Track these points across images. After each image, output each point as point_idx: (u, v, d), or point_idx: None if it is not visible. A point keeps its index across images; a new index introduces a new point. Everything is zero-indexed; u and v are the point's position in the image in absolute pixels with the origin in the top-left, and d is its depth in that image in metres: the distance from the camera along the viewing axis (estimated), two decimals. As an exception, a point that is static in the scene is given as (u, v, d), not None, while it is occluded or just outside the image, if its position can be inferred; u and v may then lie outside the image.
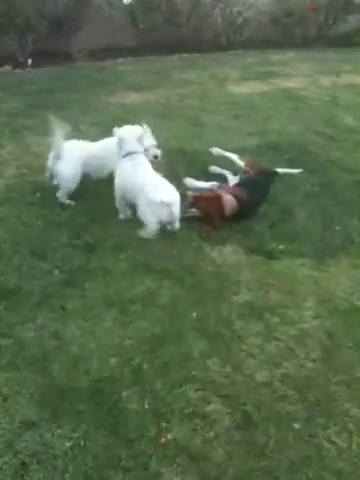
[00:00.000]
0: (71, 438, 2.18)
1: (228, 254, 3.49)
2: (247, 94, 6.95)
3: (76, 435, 2.19)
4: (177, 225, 3.67)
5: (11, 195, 4.10)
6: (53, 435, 2.18)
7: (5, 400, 2.35)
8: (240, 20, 9.53)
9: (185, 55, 9.07)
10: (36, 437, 2.18)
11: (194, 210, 3.80)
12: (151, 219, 3.55)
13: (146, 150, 3.88)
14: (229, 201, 3.81)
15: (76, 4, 7.99)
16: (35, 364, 2.55)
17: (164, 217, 3.56)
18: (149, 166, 3.73)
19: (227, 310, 2.96)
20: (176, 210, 3.57)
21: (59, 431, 2.21)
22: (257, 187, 4.04)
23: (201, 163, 4.63)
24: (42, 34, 7.82)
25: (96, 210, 3.89)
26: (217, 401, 2.39)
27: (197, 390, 2.43)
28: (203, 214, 3.78)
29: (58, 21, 7.93)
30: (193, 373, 2.52)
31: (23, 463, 2.09)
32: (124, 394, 2.40)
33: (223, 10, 9.27)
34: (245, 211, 3.84)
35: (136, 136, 3.73)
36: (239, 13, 9.46)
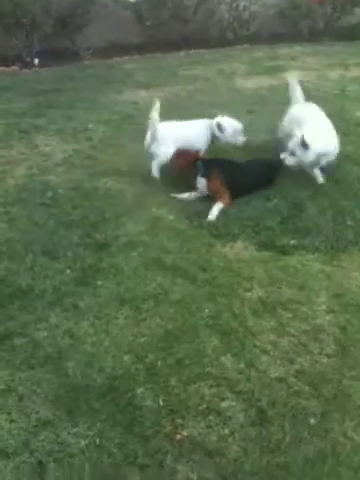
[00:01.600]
0: (87, 436, 2.18)
1: (240, 250, 3.49)
2: (255, 89, 6.92)
3: (92, 433, 2.20)
4: None
5: (22, 195, 4.12)
6: (69, 433, 2.19)
7: (21, 399, 2.36)
8: (246, 14, 9.49)
9: (192, 51, 9.05)
10: (52, 436, 2.19)
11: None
12: None
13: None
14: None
15: (81, 2, 7.99)
16: (49, 363, 2.56)
17: None
18: None
19: (240, 306, 2.95)
20: None
21: (75, 429, 2.21)
22: (252, 169, 4.29)
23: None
24: (48, 33, 7.83)
25: (107, 209, 3.90)
26: (231, 397, 2.39)
27: (211, 387, 2.43)
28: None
29: (64, 20, 7.94)
30: (207, 370, 2.52)
31: (40, 462, 2.09)
32: (139, 391, 2.41)
33: (229, 5, 9.23)
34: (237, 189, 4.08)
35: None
36: (245, 7, 9.41)
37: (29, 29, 7.68)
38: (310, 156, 3.98)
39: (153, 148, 4.31)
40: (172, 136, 4.35)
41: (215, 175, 4.06)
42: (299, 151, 3.96)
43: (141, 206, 3.98)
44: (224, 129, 4.42)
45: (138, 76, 7.44)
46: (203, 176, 4.08)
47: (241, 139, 4.50)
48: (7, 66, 7.62)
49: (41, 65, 7.84)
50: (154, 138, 4.27)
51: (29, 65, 7.81)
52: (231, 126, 4.45)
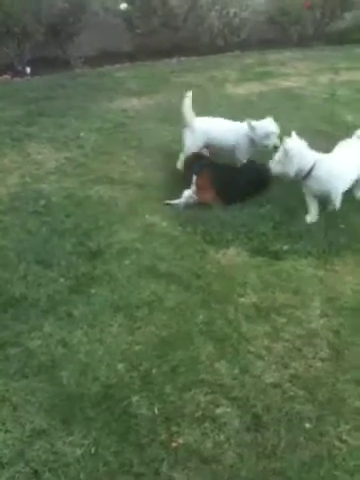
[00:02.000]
0: (82, 445, 2.18)
1: (233, 256, 3.50)
2: (246, 95, 6.96)
3: (87, 442, 2.19)
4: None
5: (15, 204, 4.11)
6: (64, 443, 2.18)
7: (15, 409, 2.35)
8: (237, 21, 9.53)
9: (183, 58, 9.07)
10: (47, 445, 2.18)
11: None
12: None
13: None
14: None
15: (72, 11, 8.01)
16: (43, 372, 2.55)
17: None
18: None
19: (234, 312, 2.96)
20: None
21: (70, 439, 2.21)
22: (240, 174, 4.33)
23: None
24: (39, 42, 7.84)
25: (99, 217, 3.90)
26: (226, 404, 2.39)
27: (206, 393, 2.43)
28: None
29: (55, 28, 7.95)
30: (202, 376, 2.52)
31: (35, 472, 2.08)
32: (134, 399, 2.41)
33: (219, 12, 9.27)
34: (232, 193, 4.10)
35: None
36: (235, 14, 9.46)
37: (20, 38, 7.68)
38: (293, 166, 3.76)
39: (185, 140, 4.48)
40: (203, 130, 4.47)
41: (205, 172, 4.15)
42: (283, 159, 3.81)
43: (134, 213, 3.99)
44: (254, 128, 4.39)
45: (129, 84, 7.46)
46: (195, 173, 4.15)
47: (272, 143, 4.40)
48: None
49: (32, 73, 7.83)
50: (189, 131, 4.43)
51: (20, 74, 7.81)
52: (263, 128, 4.40)
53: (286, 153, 3.70)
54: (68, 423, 2.28)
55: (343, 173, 3.84)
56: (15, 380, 2.50)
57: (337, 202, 3.88)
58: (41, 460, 2.12)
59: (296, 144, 3.73)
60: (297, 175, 3.77)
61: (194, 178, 4.13)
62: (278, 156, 3.80)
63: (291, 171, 3.73)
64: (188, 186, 4.14)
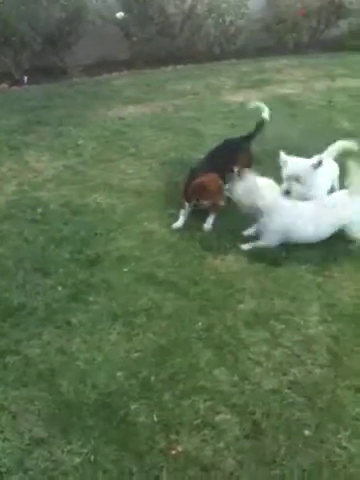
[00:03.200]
0: (81, 454, 2.17)
1: (231, 262, 3.50)
2: (242, 102, 6.98)
3: (86, 450, 2.19)
4: None
5: (12, 212, 4.11)
6: (63, 451, 2.18)
7: (14, 417, 2.35)
8: (233, 29, 9.58)
9: (179, 66, 9.10)
10: (46, 454, 2.17)
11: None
12: None
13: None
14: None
15: (69, 20, 8.04)
16: (42, 380, 2.55)
17: None
18: None
19: (232, 318, 2.96)
20: None
21: (68, 447, 2.20)
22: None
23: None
24: (37, 51, 7.87)
25: (97, 224, 3.91)
26: (226, 411, 2.39)
27: (205, 400, 2.43)
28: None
29: (52, 37, 7.98)
30: (201, 383, 2.52)
31: (33, 481, 2.08)
32: (132, 407, 2.40)
33: (216, 20, 9.31)
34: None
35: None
36: (231, 22, 9.50)
37: (18, 47, 7.71)
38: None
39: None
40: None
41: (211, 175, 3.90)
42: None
43: (132, 221, 3.99)
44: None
45: (127, 92, 7.48)
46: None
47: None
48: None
49: (30, 82, 7.85)
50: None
51: (18, 83, 7.84)
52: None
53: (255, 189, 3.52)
54: (67, 432, 2.27)
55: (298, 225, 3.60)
56: (14, 388, 2.49)
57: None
58: (40, 469, 2.12)
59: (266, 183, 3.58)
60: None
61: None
62: (245, 187, 3.56)
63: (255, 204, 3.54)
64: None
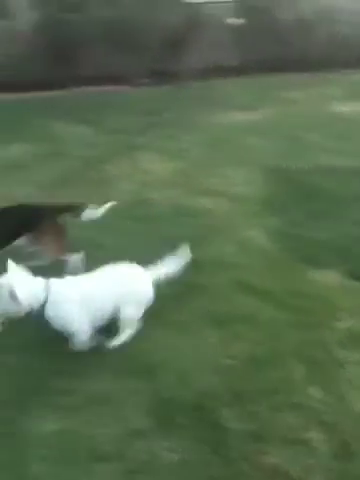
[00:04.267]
0: (178, 451, 2.27)
1: (330, 278, 3.48)
2: (352, 113, 6.81)
3: (181, 449, 2.28)
4: None
5: (121, 210, 4.27)
6: (161, 447, 2.29)
7: (116, 408, 2.49)
8: (347, 38, 9.32)
9: (291, 74, 8.98)
10: (145, 447, 2.30)
11: None
12: None
13: None
14: None
15: (187, 25, 8.24)
16: (142, 375, 2.67)
17: None
18: None
19: (329, 336, 2.96)
20: None
21: (165, 443, 2.31)
22: None
23: (304, 181, 4.63)
24: (156, 54, 8.17)
25: (200, 227, 3.98)
26: (317, 429, 2.41)
27: (298, 416, 2.47)
28: None
29: (169, 42, 8.22)
30: (294, 399, 2.55)
31: (131, 471, 2.19)
32: (224, 412, 2.48)
33: (329, 27, 9.11)
34: None
35: None
36: (342, 32, 9.24)
37: (140, 50, 8.06)
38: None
39: None
40: None
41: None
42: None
43: (233, 226, 4.07)
44: None
45: (236, 98, 7.53)
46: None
47: None
48: (117, 85, 8.01)
49: (147, 85, 8.17)
50: None
51: (136, 85, 8.17)
52: None
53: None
54: (164, 427, 2.39)
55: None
56: (117, 380, 2.64)
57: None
58: (138, 460, 2.24)
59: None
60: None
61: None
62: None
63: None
64: None
